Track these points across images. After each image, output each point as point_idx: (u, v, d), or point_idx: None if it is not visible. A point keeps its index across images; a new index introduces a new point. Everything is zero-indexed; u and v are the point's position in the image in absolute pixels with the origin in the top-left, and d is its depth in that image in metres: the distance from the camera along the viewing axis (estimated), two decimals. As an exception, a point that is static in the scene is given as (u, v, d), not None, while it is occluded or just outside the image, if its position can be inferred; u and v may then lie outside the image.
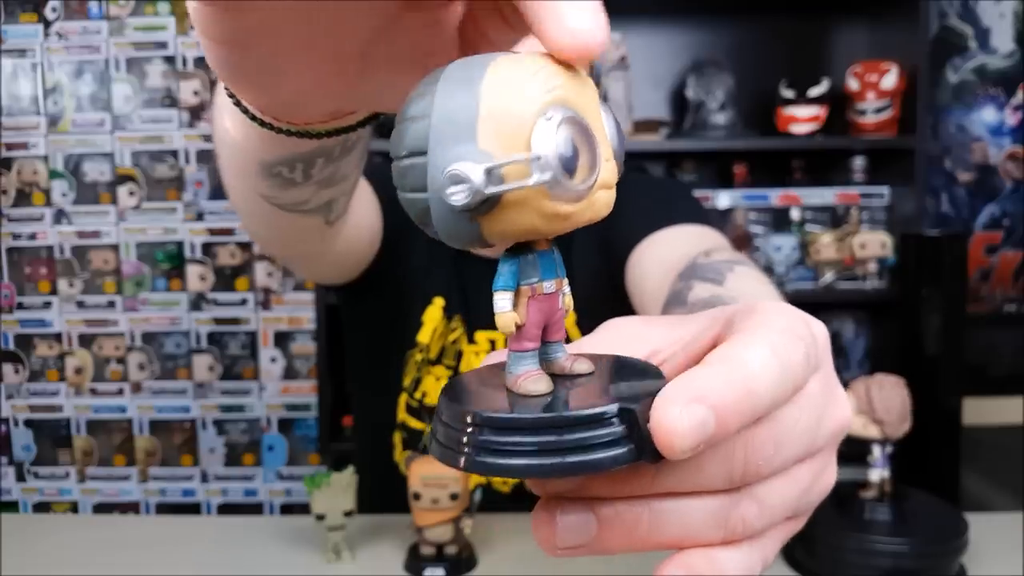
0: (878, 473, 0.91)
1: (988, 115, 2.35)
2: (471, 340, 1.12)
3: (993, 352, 2.38)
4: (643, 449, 0.27)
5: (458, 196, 0.27)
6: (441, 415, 0.30)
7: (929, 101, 2.16)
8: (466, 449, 0.28)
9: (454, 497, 0.87)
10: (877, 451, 0.90)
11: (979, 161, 2.37)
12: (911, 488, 0.95)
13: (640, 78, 2.26)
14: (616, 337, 0.35)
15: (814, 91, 2.09)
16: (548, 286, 0.31)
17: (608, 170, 0.29)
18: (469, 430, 0.28)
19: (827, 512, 0.90)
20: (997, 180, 2.37)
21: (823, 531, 0.88)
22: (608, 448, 0.27)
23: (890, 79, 2.05)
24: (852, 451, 0.94)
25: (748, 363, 0.27)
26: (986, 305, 2.40)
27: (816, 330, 0.32)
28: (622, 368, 0.32)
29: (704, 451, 0.27)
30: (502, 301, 0.30)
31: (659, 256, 0.96)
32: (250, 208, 0.72)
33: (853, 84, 2.09)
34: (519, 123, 0.27)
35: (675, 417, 0.25)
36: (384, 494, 1.08)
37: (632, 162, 2.31)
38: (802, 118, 2.08)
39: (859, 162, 2.23)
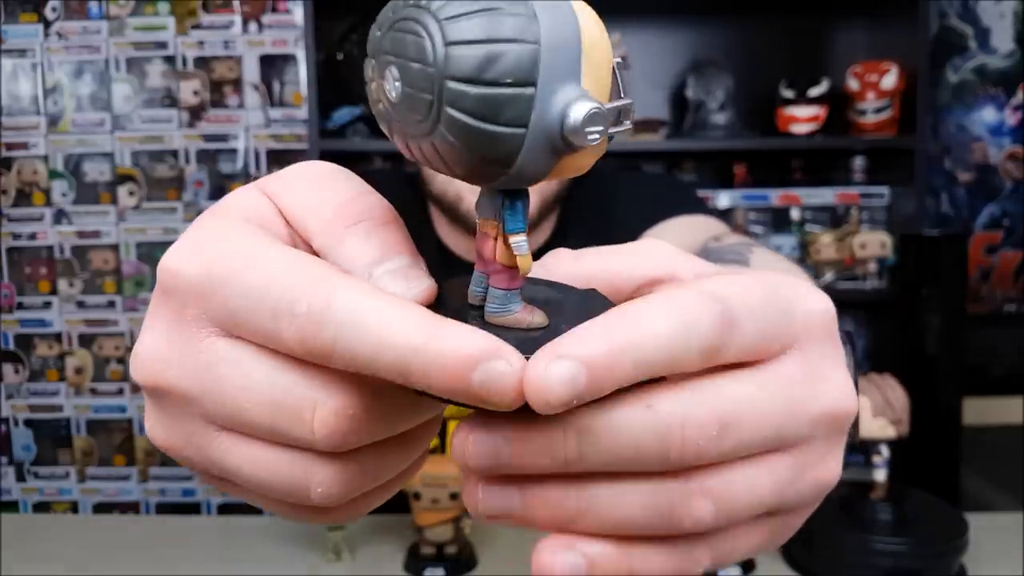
0: (884, 473, 0.90)
1: (988, 115, 2.35)
2: None
3: (993, 352, 2.38)
4: None
5: (595, 135, 0.26)
6: None
7: (929, 101, 2.16)
8: None
9: (454, 497, 0.87)
10: (886, 451, 0.90)
11: (979, 161, 2.37)
12: (911, 488, 0.95)
13: (640, 78, 2.27)
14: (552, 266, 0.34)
15: (814, 91, 2.09)
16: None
17: None
18: None
19: (827, 512, 0.90)
20: (997, 180, 2.37)
21: (823, 531, 0.88)
22: None
23: (890, 79, 2.06)
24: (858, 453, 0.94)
25: (638, 317, 0.26)
26: (986, 305, 2.40)
27: (808, 306, 0.30)
28: (578, 302, 0.31)
29: (633, 423, 0.26)
30: (524, 243, 0.29)
31: None
32: None
33: (853, 84, 2.09)
34: (605, 64, 0.27)
35: (540, 371, 0.24)
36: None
37: (632, 162, 2.31)
38: (802, 118, 2.09)
39: (859, 162, 2.23)
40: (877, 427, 0.87)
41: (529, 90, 0.25)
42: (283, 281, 0.27)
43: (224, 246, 0.29)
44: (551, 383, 0.24)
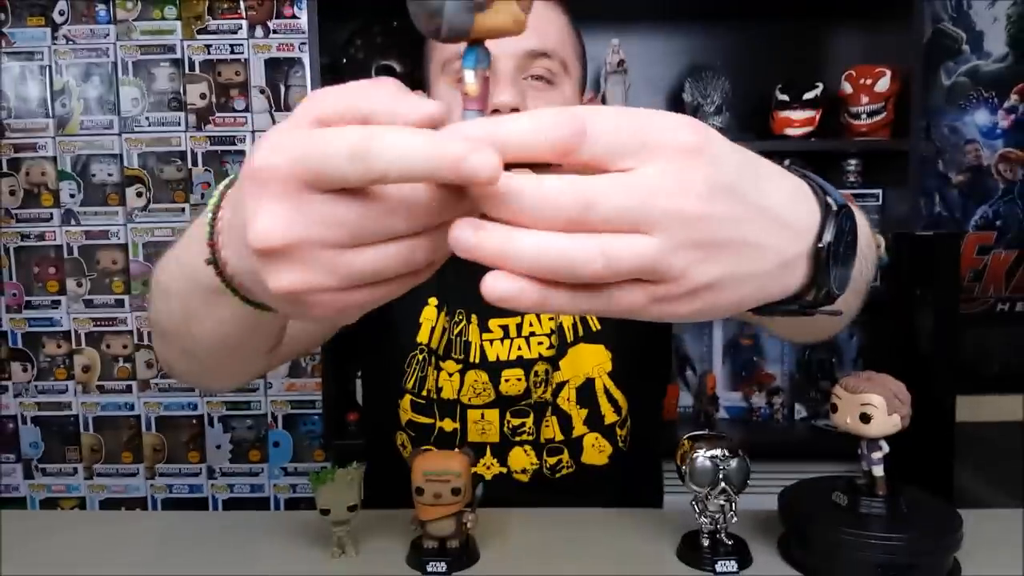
0: (882, 469, 0.90)
1: (981, 117, 2.37)
2: (486, 329, 1.15)
3: (985, 351, 2.40)
4: None
5: None
6: None
7: (922, 104, 2.18)
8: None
9: (456, 492, 0.88)
10: (886, 447, 0.89)
11: (972, 163, 2.39)
12: (905, 484, 0.93)
13: (638, 82, 2.28)
14: None
15: (809, 95, 2.11)
16: (488, 71, 0.47)
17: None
18: None
19: (822, 507, 0.90)
20: (990, 181, 2.40)
21: (817, 526, 0.88)
22: None
23: (884, 82, 2.07)
24: (850, 448, 0.94)
25: (507, 120, 0.41)
26: (979, 304, 2.43)
27: (665, 136, 0.42)
28: None
29: (527, 186, 0.40)
30: (469, 75, 0.46)
31: None
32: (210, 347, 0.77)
33: (847, 88, 2.12)
34: None
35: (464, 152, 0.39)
36: (391, 487, 1.10)
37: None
38: (797, 121, 2.11)
39: (853, 164, 2.25)
40: (891, 424, 0.86)
41: None
42: (342, 143, 0.40)
43: (291, 140, 0.43)
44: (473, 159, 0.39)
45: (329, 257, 0.43)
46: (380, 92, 0.44)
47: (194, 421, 2.52)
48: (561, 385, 1.15)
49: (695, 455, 0.88)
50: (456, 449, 1.09)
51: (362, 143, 0.40)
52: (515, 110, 1.01)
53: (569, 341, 1.16)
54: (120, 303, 2.49)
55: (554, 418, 1.15)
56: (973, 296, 2.42)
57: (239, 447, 2.53)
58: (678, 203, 0.41)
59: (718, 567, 0.89)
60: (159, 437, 2.53)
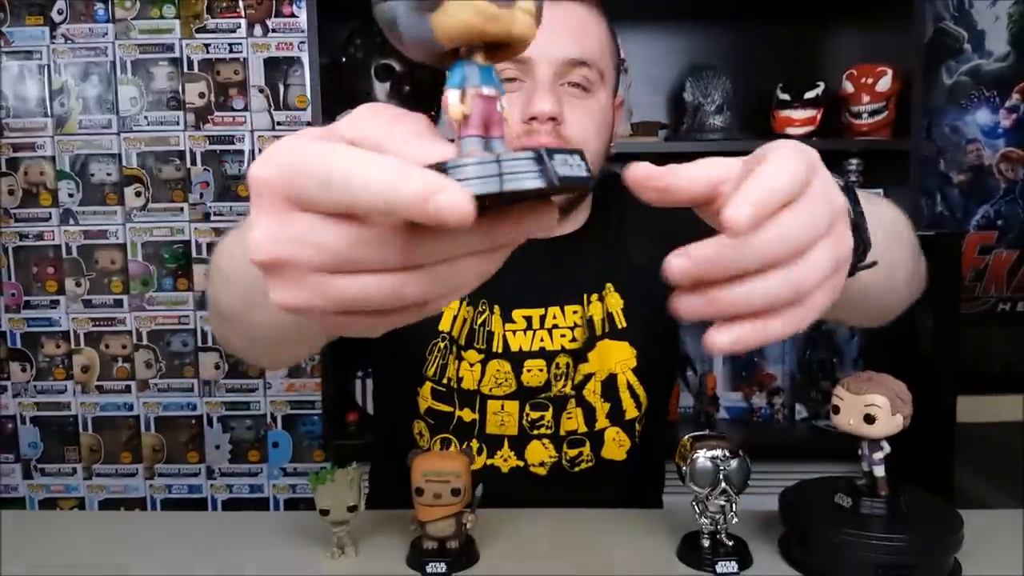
0: (884, 469, 0.89)
1: (982, 117, 2.38)
2: (509, 319, 1.15)
3: (986, 351, 2.40)
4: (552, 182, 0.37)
5: None
6: None
7: (924, 103, 2.18)
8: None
9: (456, 492, 0.88)
10: (887, 447, 0.89)
11: (973, 162, 2.39)
12: (906, 485, 0.93)
13: (639, 81, 2.29)
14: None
15: (809, 94, 2.11)
16: (488, 91, 0.41)
17: (530, 1, 0.41)
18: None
19: (822, 508, 0.90)
20: (991, 181, 2.40)
21: (818, 527, 0.88)
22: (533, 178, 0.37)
23: (885, 82, 2.07)
24: (850, 448, 0.94)
25: (767, 173, 0.45)
26: (980, 304, 2.43)
27: (809, 149, 0.50)
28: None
29: (769, 236, 0.44)
30: (452, 96, 0.41)
31: None
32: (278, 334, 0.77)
33: (848, 87, 2.12)
34: None
35: (732, 213, 0.42)
36: (402, 481, 1.10)
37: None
38: (797, 120, 2.11)
39: (854, 164, 2.25)
40: (894, 424, 0.86)
41: None
42: (319, 167, 0.38)
43: (286, 151, 0.40)
44: (740, 220, 0.42)
45: (316, 279, 0.40)
46: (400, 129, 0.42)
47: (193, 421, 2.52)
48: (588, 377, 1.16)
49: (695, 455, 0.88)
50: (465, 444, 1.10)
51: (334, 171, 0.37)
52: (552, 119, 1.03)
53: (597, 335, 1.16)
54: (119, 303, 2.49)
55: (579, 410, 1.16)
56: (974, 296, 2.42)
57: (238, 447, 2.53)
58: (838, 200, 0.50)
59: (718, 568, 0.89)
60: (158, 437, 2.53)
